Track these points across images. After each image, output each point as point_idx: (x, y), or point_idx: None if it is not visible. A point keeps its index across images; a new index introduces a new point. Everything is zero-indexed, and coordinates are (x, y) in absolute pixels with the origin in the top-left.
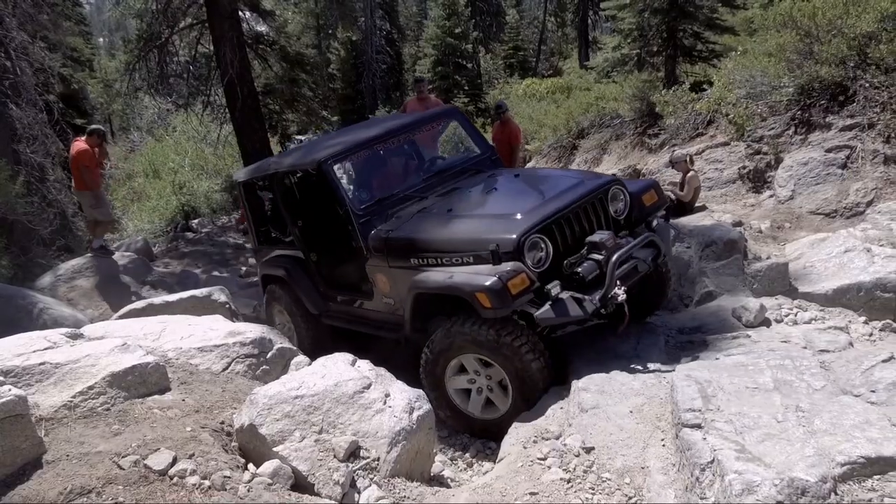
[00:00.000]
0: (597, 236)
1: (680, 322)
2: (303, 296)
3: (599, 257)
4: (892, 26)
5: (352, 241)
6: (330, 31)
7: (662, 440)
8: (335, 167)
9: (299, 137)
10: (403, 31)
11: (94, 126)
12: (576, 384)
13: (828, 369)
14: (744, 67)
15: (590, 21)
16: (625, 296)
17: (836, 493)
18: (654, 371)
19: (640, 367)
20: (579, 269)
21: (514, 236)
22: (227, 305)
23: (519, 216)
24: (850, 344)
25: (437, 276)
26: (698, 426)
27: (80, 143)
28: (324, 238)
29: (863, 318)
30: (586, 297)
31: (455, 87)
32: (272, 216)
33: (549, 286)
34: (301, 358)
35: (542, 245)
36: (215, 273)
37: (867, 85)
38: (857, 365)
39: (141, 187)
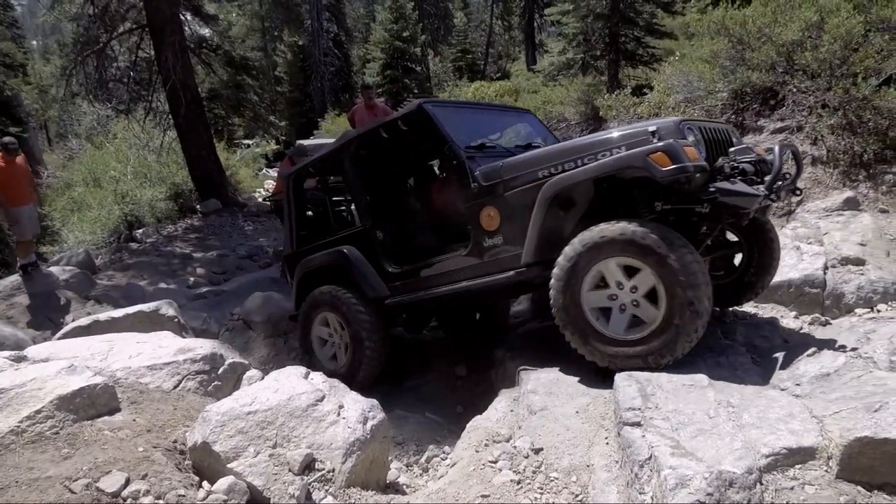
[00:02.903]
0: (741, 145)
1: None
2: (362, 281)
3: (750, 157)
4: (816, 34)
5: (439, 191)
6: (275, 34)
7: (606, 439)
8: (435, 110)
9: (246, 142)
10: (351, 33)
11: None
12: (525, 386)
13: (759, 364)
14: (681, 73)
15: (536, 25)
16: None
17: (762, 483)
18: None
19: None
20: (738, 165)
21: (676, 119)
22: (176, 319)
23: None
24: (785, 340)
25: (576, 169)
26: (638, 424)
27: None
28: (400, 205)
29: (793, 313)
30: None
31: (404, 91)
32: (318, 215)
33: (718, 162)
34: (253, 372)
35: (699, 136)
36: (162, 285)
37: (795, 90)
38: (786, 359)
39: (81, 197)
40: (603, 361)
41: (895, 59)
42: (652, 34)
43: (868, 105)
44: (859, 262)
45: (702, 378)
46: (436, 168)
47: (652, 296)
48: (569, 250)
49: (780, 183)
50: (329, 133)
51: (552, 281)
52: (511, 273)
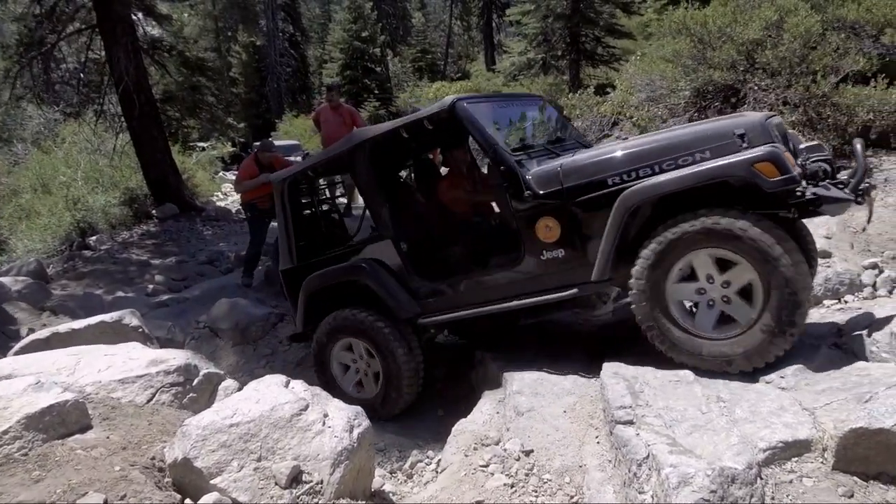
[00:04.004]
0: (812, 143)
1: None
2: (390, 299)
3: (824, 156)
4: (776, 33)
5: (475, 197)
6: (229, 35)
7: (597, 438)
8: (471, 108)
9: (201, 145)
10: (307, 33)
11: None
12: (510, 387)
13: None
14: (644, 72)
15: (494, 25)
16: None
17: (761, 478)
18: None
19: (569, 367)
20: (815, 166)
21: (759, 116)
22: (141, 329)
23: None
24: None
25: (668, 176)
26: (630, 422)
27: None
28: (425, 213)
29: None
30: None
31: (365, 91)
32: (321, 223)
33: (805, 162)
34: (229, 382)
35: (776, 134)
36: (120, 293)
37: (756, 87)
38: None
39: (29, 204)
40: (691, 361)
41: (851, 56)
42: (612, 34)
43: (827, 102)
44: (826, 254)
45: (687, 374)
46: (463, 169)
47: (745, 292)
48: (659, 239)
49: (865, 185)
50: (287, 135)
51: (634, 273)
52: (575, 290)
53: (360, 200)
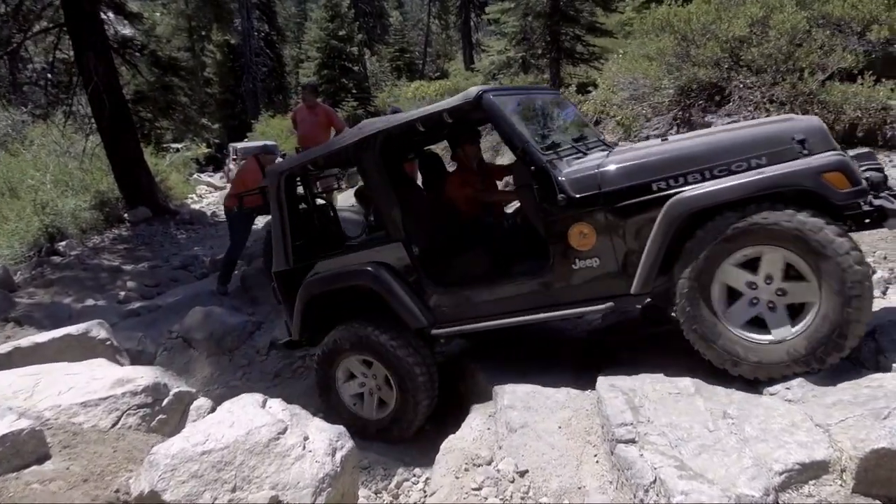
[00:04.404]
0: (863, 151)
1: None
2: (401, 308)
3: (875, 164)
4: (761, 31)
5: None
6: (203, 34)
7: (595, 456)
8: (498, 101)
9: (175, 146)
10: (283, 32)
11: None
12: (501, 401)
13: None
14: (626, 70)
15: (472, 24)
16: None
17: None
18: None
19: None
20: (875, 175)
21: (819, 122)
22: (109, 342)
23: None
24: None
25: (724, 184)
26: (633, 441)
27: None
28: (438, 213)
29: None
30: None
31: (342, 91)
32: (322, 221)
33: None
34: (202, 402)
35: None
36: (90, 301)
37: (741, 85)
38: None
39: None
40: (700, 344)
41: (838, 54)
42: (592, 32)
43: (814, 100)
44: None
45: (687, 384)
46: (474, 165)
47: (792, 308)
48: (747, 220)
49: None
50: (264, 135)
51: (697, 235)
52: (610, 303)
53: (340, 202)
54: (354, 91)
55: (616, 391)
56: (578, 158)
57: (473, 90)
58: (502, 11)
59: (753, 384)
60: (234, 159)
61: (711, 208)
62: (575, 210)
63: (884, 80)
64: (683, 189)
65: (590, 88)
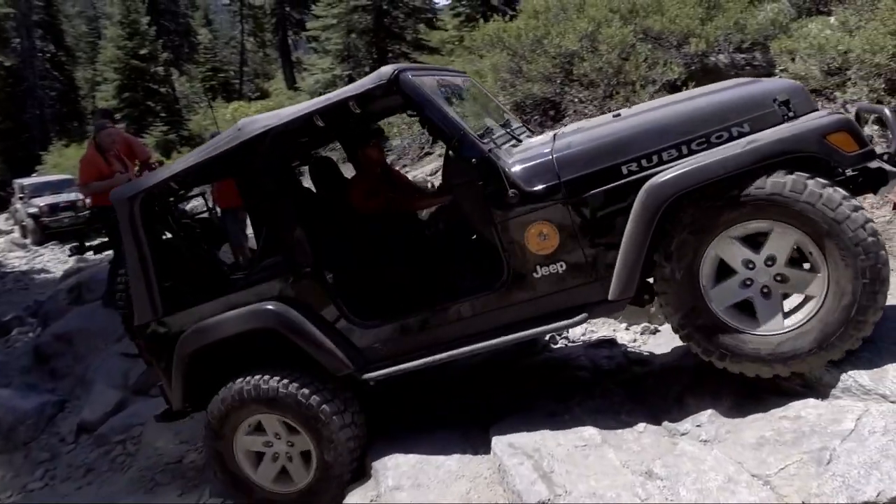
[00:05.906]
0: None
1: None
2: (318, 352)
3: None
4: (591, 45)
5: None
6: None
7: None
8: (417, 81)
9: None
10: (73, 52)
11: None
12: (385, 482)
13: (634, 399)
14: None
15: (290, 42)
16: None
17: None
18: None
19: (445, 435)
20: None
21: (794, 82)
22: None
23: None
24: (624, 355)
25: (709, 160)
26: None
27: None
28: (354, 229)
29: (624, 325)
30: None
31: (149, 114)
32: (197, 253)
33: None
34: None
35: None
36: None
37: (574, 100)
38: (661, 388)
39: None
40: (668, 311)
41: (661, 66)
42: (419, 49)
43: None
44: None
45: (592, 433)
46: (378, 169)
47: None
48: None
49: None
50: (57, 167)
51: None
52: (584, 314)
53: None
54: (163, 114)
55: (518, 454)
56: (515, 146)
57: (387, 69)
58: (323, 28)
59: (654, 417)
60: (20, 198)
61: (699, 189)
62: (530, 206)
63: None
64: (660, 169)
65: None
